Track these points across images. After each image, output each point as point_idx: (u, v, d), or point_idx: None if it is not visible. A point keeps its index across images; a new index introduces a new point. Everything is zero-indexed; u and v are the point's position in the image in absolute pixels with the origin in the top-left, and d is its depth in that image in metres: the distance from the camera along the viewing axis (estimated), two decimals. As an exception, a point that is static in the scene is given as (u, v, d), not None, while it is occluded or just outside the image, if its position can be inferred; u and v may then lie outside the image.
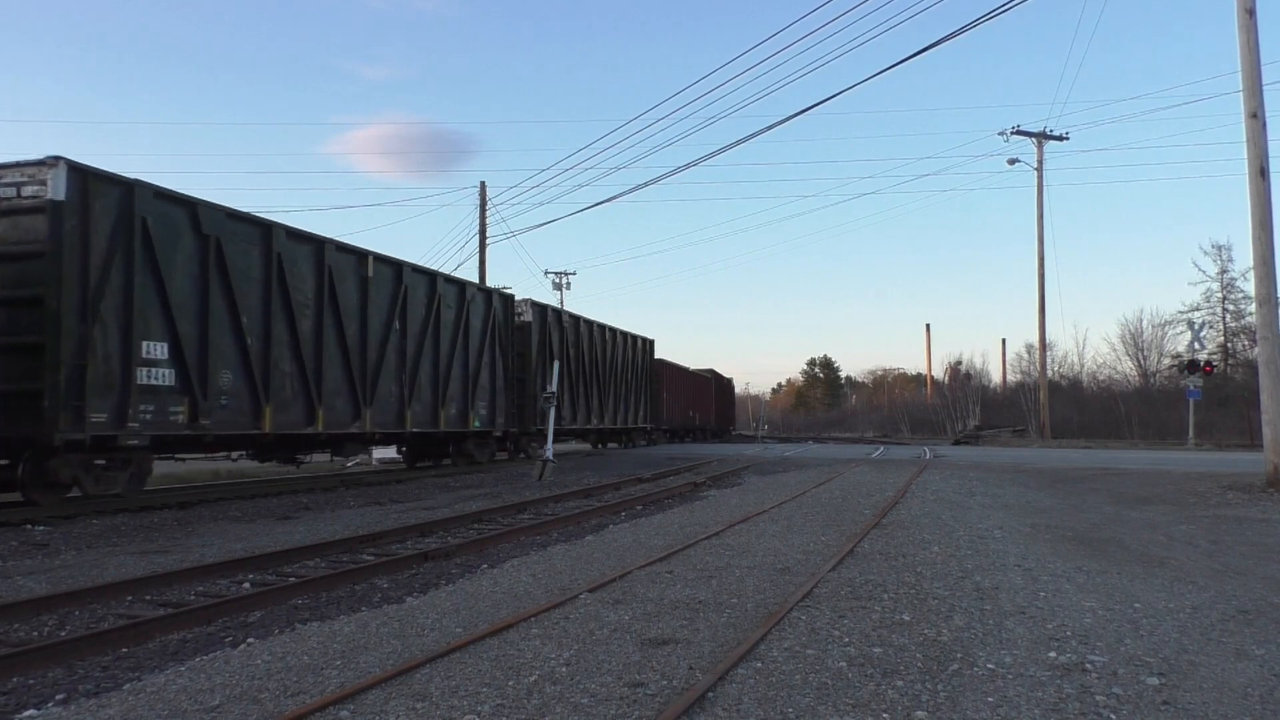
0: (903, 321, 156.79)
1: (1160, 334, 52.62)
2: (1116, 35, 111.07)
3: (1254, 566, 7.03)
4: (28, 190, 9.96)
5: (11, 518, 9.84)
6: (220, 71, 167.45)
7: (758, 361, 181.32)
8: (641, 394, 31.01)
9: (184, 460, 14.11)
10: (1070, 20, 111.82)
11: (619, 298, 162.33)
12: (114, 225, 10.51)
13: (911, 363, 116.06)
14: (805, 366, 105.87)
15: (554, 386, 20.43)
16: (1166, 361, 50.33)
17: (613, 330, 28.05)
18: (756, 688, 3.88)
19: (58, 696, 4.14)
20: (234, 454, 14.63)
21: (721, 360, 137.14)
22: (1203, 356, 38.21)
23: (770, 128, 65.26)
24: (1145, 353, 53.22)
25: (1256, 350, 14.91)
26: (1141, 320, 56.12)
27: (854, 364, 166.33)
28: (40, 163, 9.94)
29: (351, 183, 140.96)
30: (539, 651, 4.45)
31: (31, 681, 4.40)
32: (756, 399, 75.16)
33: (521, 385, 21.43)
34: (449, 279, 18.40)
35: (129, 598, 6.26)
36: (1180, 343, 46.91)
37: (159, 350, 11.05)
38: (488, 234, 34.48)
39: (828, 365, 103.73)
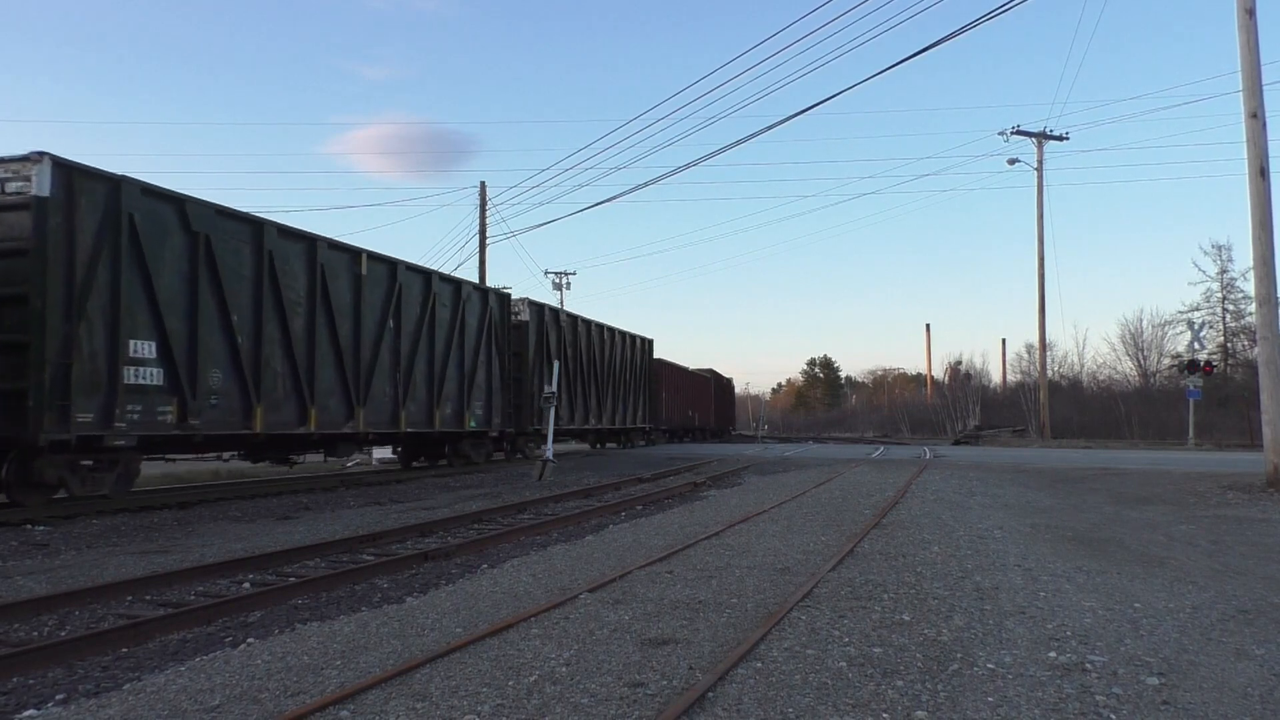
0: (903, 321, 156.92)
1: (1160, 334, 52.70)
2: (1116, 35, 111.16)
3: (1254, 566, 7.04)
4: (11, 186, 9.76)
5: (11, 518, 9.83)
6: (220, 71, 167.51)
7: (758, 361, 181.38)
8: (640, 394, 30.96)
9: (174, 461, 14.02)
10: (1070, 20, 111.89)
11: (619, 298, 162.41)
12: (100, 222, 10.34)
13: (911, 363, 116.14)
14: (805, 366, 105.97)
15: (554, 386, 20.42)
16: (1166, 361, 50.37)
17: (611, 330, 27.98)
18: (756, 688, 3.88)
19: (58, 696, 4.14)
20: (225, 455, 14.48)
21: (721, 360, 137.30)
22: (1203, 356, 38.21)
23: (770, 128, 65.36)
24: (1145, 353, 53.28)
25: (1256, 350, 14.91)
26: (1141, 320, 56.21)
27: (854, 364, 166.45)
28: (24, 158, 9.74)
29: (351, 183, 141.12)
30: (539, 651, 4.45)
31: (31, 681, 4.40)
32: (756, 399, 75.20)
33: (518, 385, 21.31)
34: (444, 278, 18.25)
35: (129, 598, 6.26)
36: (1180, 343, 46.97)
37: (147, 349, 10.88)
38: (488, 234, 34.50)
39: (828, 365, 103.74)
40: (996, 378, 67.74)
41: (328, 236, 14.46)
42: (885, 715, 3.55)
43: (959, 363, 72.72)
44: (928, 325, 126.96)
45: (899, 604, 5.54)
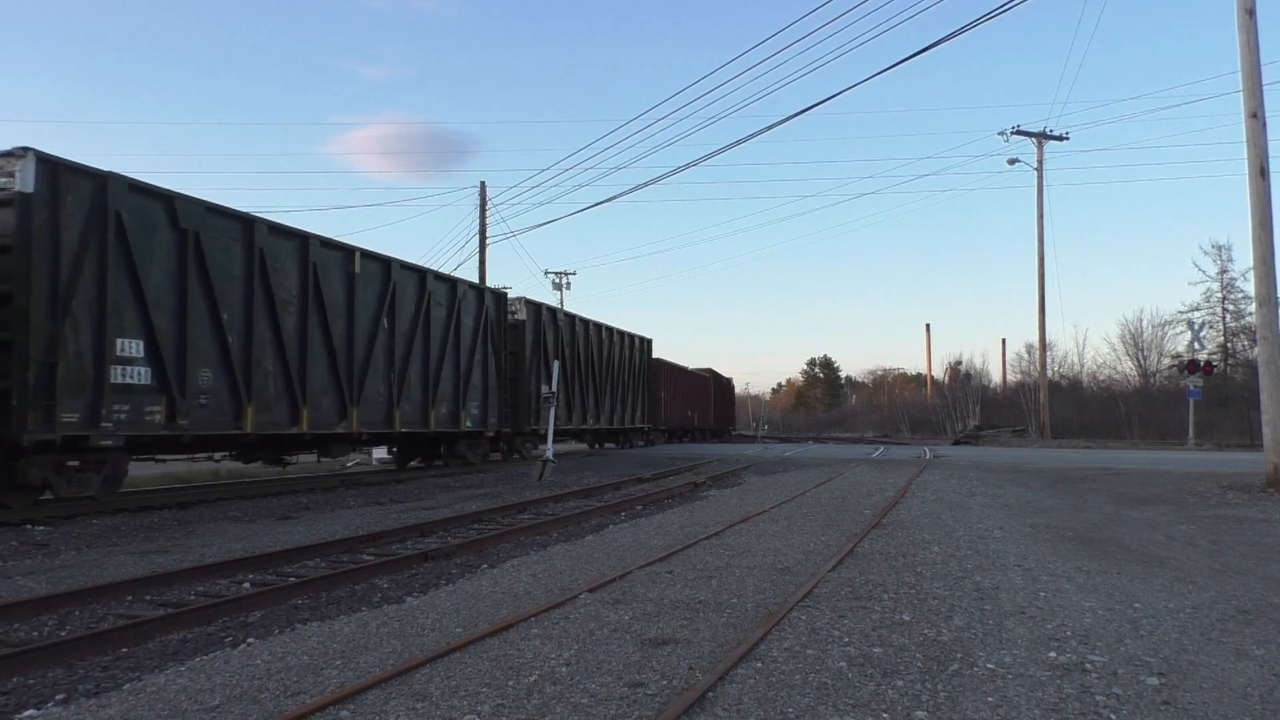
0: (903, 321, 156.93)
1: (1160, 334, 52.71)
2: (1116, 35, 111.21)
3: (1254, 566, 7.03)
4: None
5: (11, 518, 9.82)
6: (220, 71, 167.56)
7: (758, 361, 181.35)
8: (639, 394, 30.91)
9: (163, 461, 13.82)
10: (1070, 20, 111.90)
11: (619, 298, 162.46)
12: (86, 219, 10.19)
13: (911, 363, 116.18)
14: (805, 366, 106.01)
15: (554, 386, 20.41)
16: (1166, 361, 50.36)
17: (609, 329, 27.91)
18: (756, 688, 3.88)
19: (58, 696, 4.14)
20: (217, 455, 14.27)
21: (721, 360, 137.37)
22: (1203, 356, 38.21)
23: (770, 128, 65.33)
24: (1145, 353, 53.28)
25: (1256, 350, 14.91)
26: (1141, 320, 56.27)
27: (854, 364, 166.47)
28: (8, 154, 9.59)
29: (351, 183, 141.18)
30: (539, 651, 4.45)
31: (31, 681, 4.40)
32: (756, 399, 75.21)
33: (515, 385, 21.19)
34: (439, 276, 18.04)
35: (129, 598, 6.26)
36: (1180, 343, 46.98)
37: (134, 348, 10.73)
38: (488, 234, 34.49)
39: (828, 365, 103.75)
40: (996, 378, 67.82)
41: (320, 234, 14.32)
42: (885, 715, 3.54)
43: (959, 363, 72.79)
44: (928, 325, 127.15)
45: (899, 604, 5.54)
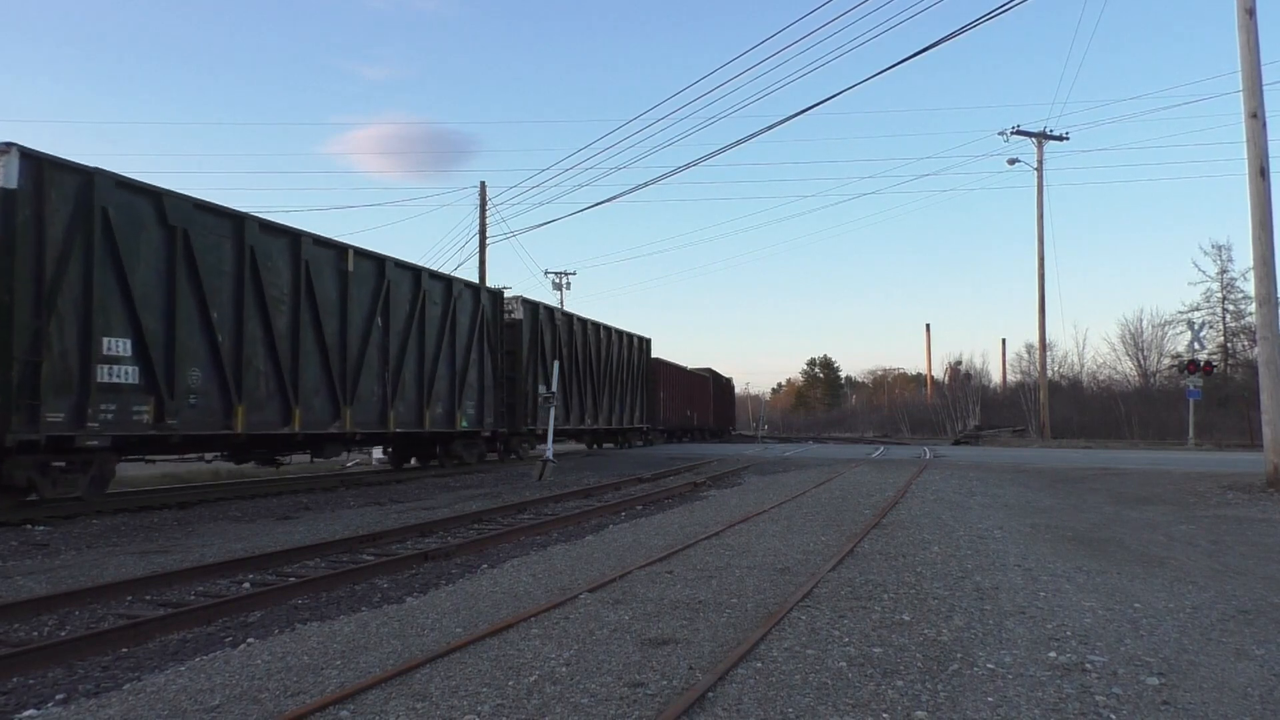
0: (903, 321, 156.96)
1: (1160, 334, 52.71)
2: (1116, 35, 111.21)
3: (1254, 566, 7.03)
4: None
5: (11, 518, 9.81)
6: (220, 71, 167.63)
7: (758, 361, 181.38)
8: (638, 394, 30.87)
9: (153, 462, 13.46)
10: (1070, 20, 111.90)
11: (619, 298, 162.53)
12: (72, 215, 10.03)
13: (911, 363, 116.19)
14: (805, 366, 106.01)
15: (555, 386, 20.39)
16: (1166, 361, 50.35)
17: (607, 329, 27.81)
18: (756, 688, 3.88)
19: (58, 696, 4.14)
20: (208, 455, 14.04)
21: (721, 360, 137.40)
22: (1203, 356, 38.21)
23: (770, 128, 65.29)
24: (1145, 353, 53.29)
25: (1256, 350, 14.91)
26: (1141, 320, 56.28)
27: (854, 364, 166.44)
28: None
29: (351, 183, 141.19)
30: (539, 651, 4.45)
31: (31, 681, 4.40)
32: (756, 399, 75.24)
33: (512, 384, 21.05)
34: (434, 275, 17.82)
35: (129, 598, 6.26)
36: (1180, 343, 46.98)
37: (121, 346, 10.57)
38: (488, 234, 34.50)
39: (828, 365, 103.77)
40: (996, 378, 67.83)
41: (313, 232, 14.13)
42: (885, 715, 3.55)
43: (959, 363, 72.80)
44: (928, 325, 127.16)
45: (899, 604, 5.54)
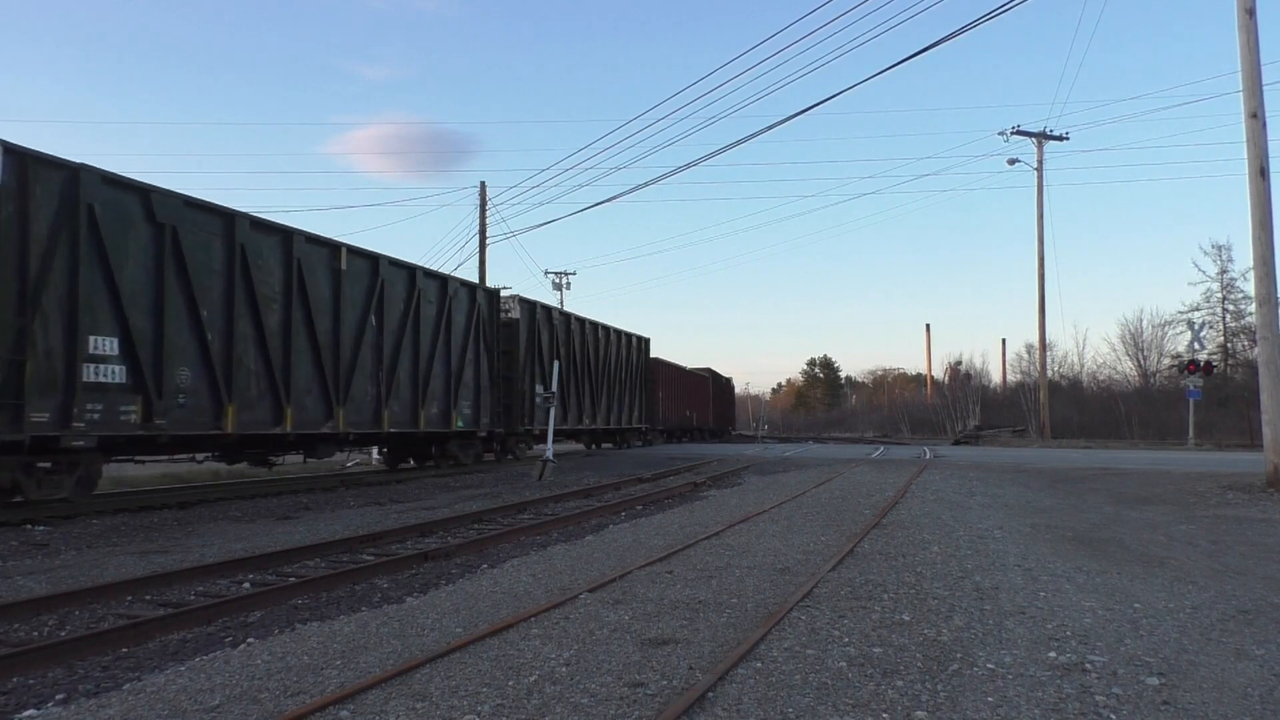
0: (903, 321, 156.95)
1: (1160, 334, 52.71)
2: (1116, 35, 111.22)
3: (1254, 566, 7.03)
4: None
5: (11, 518, 9.81)
6: (220, 71, 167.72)
7: (758, 361, 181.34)
8: (636, 393, 30.81)
9: (143, 462, 13.23)
10: (1070, 20, 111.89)
11: (619, 298, 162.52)
12: (57, 212, 9.88)
13: (911, 363, 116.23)
14: (805, 366, 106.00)
15: (554, 387, 20.36)
16: (1166, 361, 50.35)
17: (605, 328, 27.72)
18: (756, 688, 3.88)
19: (58, 696, 4.14)
20: (199, 456, 13.87)
21: (721, 360, 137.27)
22: (1203, 356, 38.21)
23: (770, 128, 65.31)
24: (1145, 353, 53.29)
25: (1256, 350, 14.91)
26: (1141, 320, 56.31)
27: (854, 364, 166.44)
28: None
29: (351, 183, 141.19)
30: (539, 651, 4.45)
31: (31, 681, 4.40)
32: (756, 399, 75.22)
33: (508, 384, 20.89)
34: (429, 273, 17.67)
35: (129, 598, 6.26)
36: (1180, 343, 46.98)
37: (108, 345, 10.41)
38: (488, 234, 34.50)
39: (828, 365, 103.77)
40: (996, 378, 67.82)
41: (305, 230, 13.97)
42: (885, 715, 3.55)
43: (959, 363, 72.79)
44: (928, 325, 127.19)
45: (899, 604, 5.54)
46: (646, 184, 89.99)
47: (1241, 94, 13.32)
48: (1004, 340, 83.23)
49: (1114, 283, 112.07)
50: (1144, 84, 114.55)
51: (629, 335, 30.15)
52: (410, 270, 16.92)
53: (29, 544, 8.56)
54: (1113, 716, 3.54)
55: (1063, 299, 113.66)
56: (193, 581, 6.79)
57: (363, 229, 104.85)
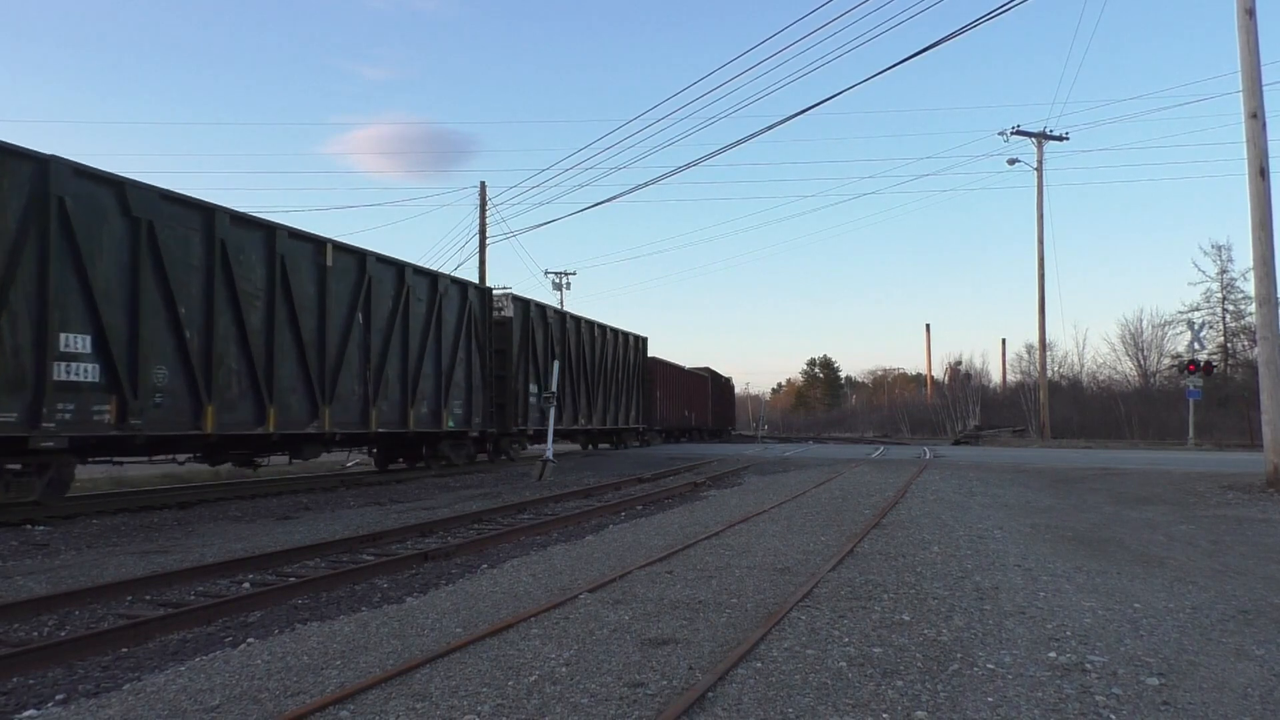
0: (903, 321, 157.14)
1: (1160, 334, 52.75)
2: (1116, 35, 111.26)
3: (1254, 566, 7.04)
4: None
5: (11, 518, 9.81)
6: (220, 71, 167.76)
7: (758, 361, 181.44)
8: (633, 393, 30.66)
9: (120, 463, 12.92)
10: (1070, 20, 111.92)
11: (618, 298, 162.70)
12: (25, 205, 9.55)
13: (911, 363, 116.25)
14: (805, 366, 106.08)
15: (554, 387, 20.32)
16: (1166, 361, 50.38)
17: (602, 327, 27.50)
18: (756, 688, 3.88)
19: (58, 696, 4.14)
20: (180, 457, 13.50)
21: (721, 360, 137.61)
22: (1203, 356, 38.22)
23: (770, 128, 65.38)
24: (1145, 353, 53.32)
25: (1256, 350, 14.91)
26: (1141, 320, 56.35)
27: (854, 364, 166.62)
28: None
29: (351, 183, 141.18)
30: (539, 651, 4.45)
31: (31, 681, 4.40)
32: (756, 399, 75.25)
33: (502, 384, 20.53)
34: (419, 270, 17.24)
35: (129, 598, 6.26)
36: (1180, 343, 47.01)
37: (80, 343, 10.08)
38: (488, 234, 34.51)
39: (828, 365, 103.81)
40: (996, 378, 67.86)
41: (288, 225, 13.65)
42: (885, 715, 3.55)
43: (959, 363, 72.87)
44: (928, 325, 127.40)
45: (899, 604, 5.54)
46: (646, 184, 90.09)
47: (1241, 94, 13.32)
48: (1004, 340, 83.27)
49: (1114, 283, 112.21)
50: (1144, 84, 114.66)
51: (626, 334, 30.04)
52: (399, 267, 16.54)
53: (29, 544, 8.56)
54: (1113, 717, 3.54)
55: (1063, 299, 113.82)
56: (193, 581, 6.79)
57: (363, 229, 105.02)
